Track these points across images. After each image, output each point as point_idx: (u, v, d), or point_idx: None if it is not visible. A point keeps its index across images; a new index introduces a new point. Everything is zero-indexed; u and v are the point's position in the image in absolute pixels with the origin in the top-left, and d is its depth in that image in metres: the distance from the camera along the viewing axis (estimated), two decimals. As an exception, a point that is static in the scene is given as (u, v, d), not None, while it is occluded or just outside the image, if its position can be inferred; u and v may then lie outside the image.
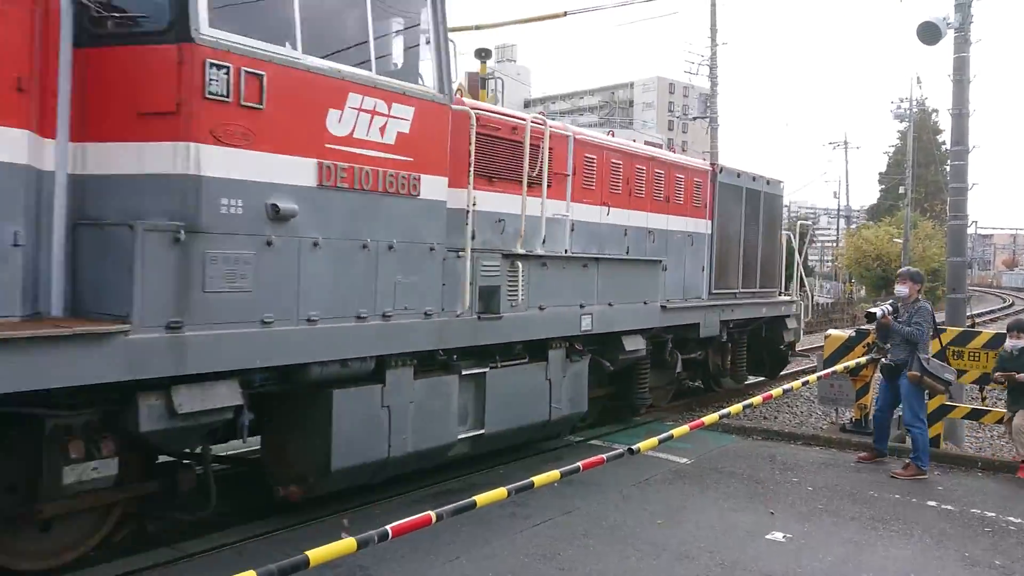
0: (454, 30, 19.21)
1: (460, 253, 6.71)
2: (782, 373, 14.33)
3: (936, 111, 68.18)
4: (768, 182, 12.95)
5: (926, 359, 8.09)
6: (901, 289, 8.40)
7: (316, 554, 3.59)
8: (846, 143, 62.48)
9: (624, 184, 9.66)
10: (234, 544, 5.75)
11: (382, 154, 5.97)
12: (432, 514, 4.15)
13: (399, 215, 6.14)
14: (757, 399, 7.78)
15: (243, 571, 3.28)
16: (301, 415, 6.02)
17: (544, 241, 8.15)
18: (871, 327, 8.98)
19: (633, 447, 5.94)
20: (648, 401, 10.26)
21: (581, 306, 8.23)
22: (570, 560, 5.63)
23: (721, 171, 11.66)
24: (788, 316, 13.30)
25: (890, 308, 8.42)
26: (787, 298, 13.46)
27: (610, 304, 8.62)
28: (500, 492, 4.68)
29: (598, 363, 8.94)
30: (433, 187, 6.43)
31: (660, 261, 9.67)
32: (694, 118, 42.62)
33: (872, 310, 8.53)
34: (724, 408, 8.03)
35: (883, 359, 8.59)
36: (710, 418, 7.17)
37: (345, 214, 5.73)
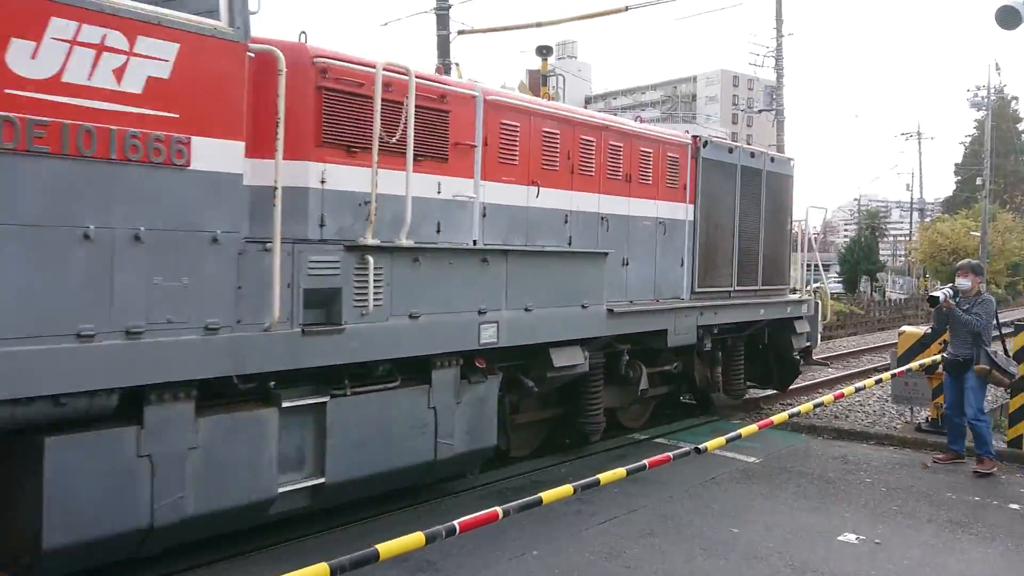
0: (516, 28, 19.31)
1: (268, 245, 4.94)
2: (792, 386, 12.26)
3: (1016, 99, 65.66)
4: (772, 159, 10.85)
5: (993, 352, 7.93)
6: (963, 282, 8.16)
7: (385, 548, 3.65)
8: (919, 134, 60.33)
9: (563, 158, 7.76)
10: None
11: (119, 106, 4.30)
12: (499, 510, 4.18)
13: (153, 192, 4.46)
14: (828, 398, 7.60)
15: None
16: (9, 471, 4.43)
17: (439, 229, 6.53)
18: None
19: (700, 446, 5.87)
20: (600, 427, 8.40)
21: (481, 312, 6.45)
22: (636, 559, 5.59)
23: (705, 145, 9.62)
24: (799, 318, 11.07)
25: (951, 292, 8.18)
26: (796, 297, 11.27)
27: (527, 309, 6.83)
28: (566, 489, 4.68)
29: (520, 383, 7.29)
30: (216, 154, 4.73)
31: (605, 254, 7.75)
32: (759, 111, 41.61)
33: (935, 293, 8.27)
34: (793, 407, 7.86)
35: (944, 354, 8.35)
36: (779, 417, 7.03)
37: (47, 190, 4.08)
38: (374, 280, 5.62)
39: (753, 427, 6.54)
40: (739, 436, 6.26)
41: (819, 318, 11.71)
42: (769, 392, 12.12)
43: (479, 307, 6.47)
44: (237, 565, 5.37)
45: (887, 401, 12.22)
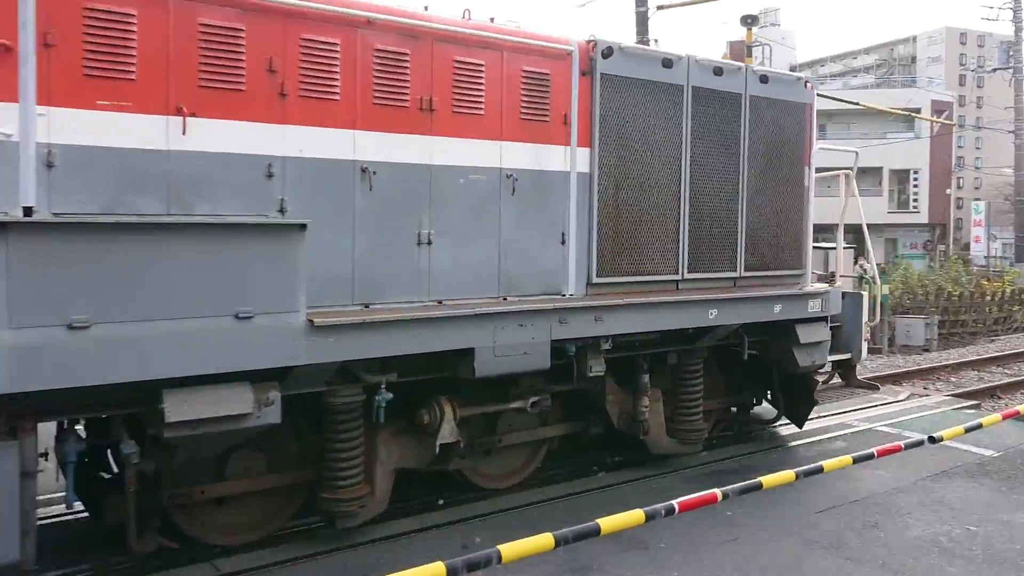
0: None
1: None
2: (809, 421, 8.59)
3: None
4: (764, 78, 7.37)
5: None
6: None
7: (606, 523, 3.74)
8: None
9: (258, 71, 5.01)
10: None
11: None
12: (718, 492, 4.15)
13: None
14: (1085, 388, 6.82)
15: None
16: None
17: None
18: None
19: (935, 435, 5.49)
20: (355, 506, 5.57)
21: None
22: (858, 551, 5.35)
23: (609, 54, 6.43)
24: (807, 321, 7.63)
25: None
26: (795, 291, 7.61)
27: (74, 326, 4.12)
28: (788, 475, 4.56)
29: (153, 442, 4.79)
30: None
31: (299, 225, 4.82)
32: (993, 70, 37.62)
33: None
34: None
35: None
36: (1025, 407, 6.43)
37: None
38: None
39: (996, 417, 6.04)
40: (979, 426, 5.80)
41: (864, 319, 8.27)
42: (777, 422, 8.61)
43: None
44: (456, 529, 5.72)
45: None
